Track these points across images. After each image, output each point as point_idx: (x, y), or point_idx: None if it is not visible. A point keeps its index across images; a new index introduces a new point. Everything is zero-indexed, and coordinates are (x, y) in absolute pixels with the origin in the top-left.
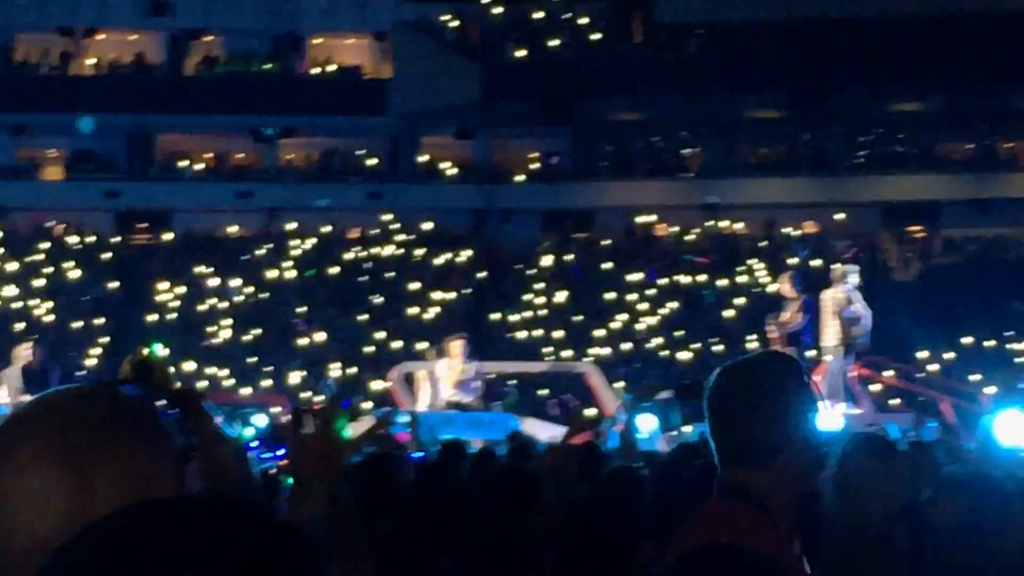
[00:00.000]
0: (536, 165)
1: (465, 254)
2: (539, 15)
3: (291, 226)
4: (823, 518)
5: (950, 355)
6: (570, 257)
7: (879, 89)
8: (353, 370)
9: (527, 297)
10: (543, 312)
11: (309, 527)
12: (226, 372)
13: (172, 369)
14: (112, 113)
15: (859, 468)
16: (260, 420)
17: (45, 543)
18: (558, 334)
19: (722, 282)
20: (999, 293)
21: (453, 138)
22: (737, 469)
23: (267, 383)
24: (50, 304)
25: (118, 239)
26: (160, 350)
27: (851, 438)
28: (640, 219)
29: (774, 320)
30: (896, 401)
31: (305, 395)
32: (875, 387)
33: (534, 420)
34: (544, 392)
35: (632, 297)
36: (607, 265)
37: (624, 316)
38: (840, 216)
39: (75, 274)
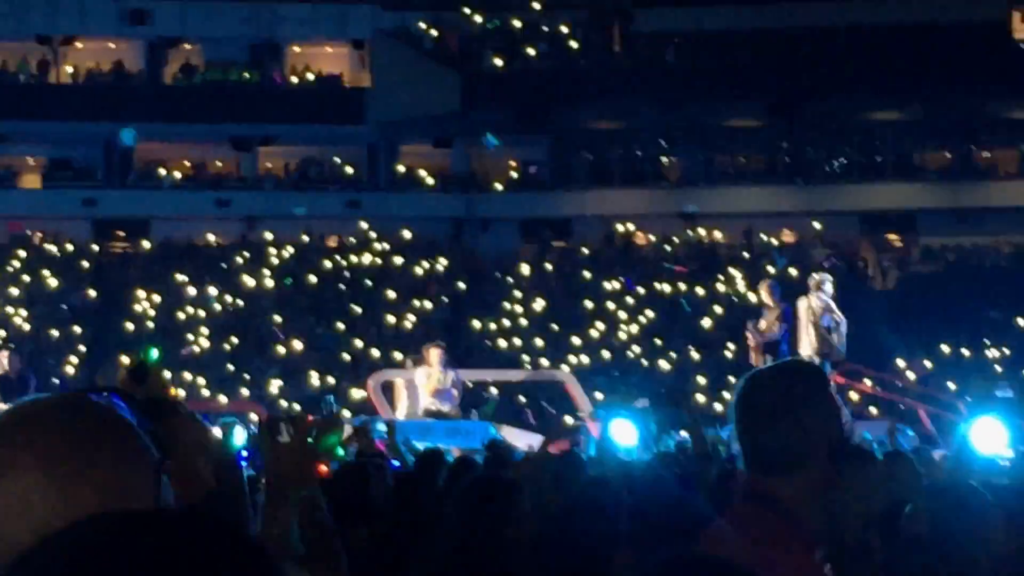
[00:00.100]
0: (514, 174)
1: (443, 263)
2: (518, 24)
3: (269, 235)
4: None
5: (927, 363)
6: (549, 266)
7: (857, 98)
8: (331, 379)
9: (505, 306)
10: (521, 321)
11: (282, 536)
12: (203, 380)
13: (168, 374)
14: (90, 121)
15: None
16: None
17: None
18: (536, 343)
19: (700, 291)
20: (976, 302)
21: (431, 147)
22: (762, 476)
23: (245, 392)
24: (27, 313)
25: (96, 247)
26: (156, 355)
27: None
28: (618, 228)
29: (753, 327)
30: (874, 410)
31: (285, 404)
32: (853, 395)
33: (512, 428)
34: (522, 400)
35: (610, 306)
36: (585, 274)
37: (602, 325)
38: (818, 225)
39: (53, 282)
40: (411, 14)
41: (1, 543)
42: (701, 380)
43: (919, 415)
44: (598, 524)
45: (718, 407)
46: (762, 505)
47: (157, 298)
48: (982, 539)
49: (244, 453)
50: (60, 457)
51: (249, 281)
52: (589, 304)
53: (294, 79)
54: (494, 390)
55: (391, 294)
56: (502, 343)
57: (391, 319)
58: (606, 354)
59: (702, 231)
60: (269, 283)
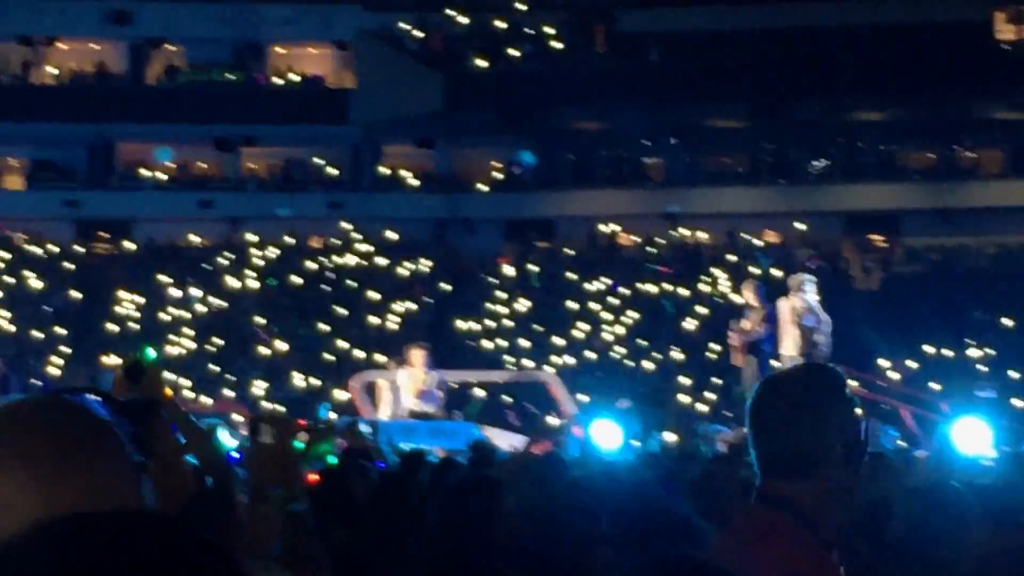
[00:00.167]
0: (498, 174)
1: (426, 263)
2: (501, 25)
3: (252, 235)
4: None
5: (911, 363)
6: (533, 267)
7: (840, 99)
8: (314, 380)
9: (489, 306)
10: (505, 321)
11: (263, 536)
12: (187, 382)
13: (165, 374)
14: (73, 122)
15: None
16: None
17: None
18: (520, 343)
19: (684, 291)
20: (960, 302)
21: (415, 147)
22: (778, 480)
23: (228, 393)
24: (10, 314)
25: (79, 248)
26: (152, 355)
27: None
28: (602, 228)
29: (736, 327)
30: (857, 410)
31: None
32: None
33: (495, 429)
34: (506, 401)
35: (594, 306)
36: (569, 274)
37: (586, 325)
38: (801, 225)
39: (35, 283)
40: (394, 15)
41: None
42: (684, 381)
43: (902, 415)
44: (580, 524)
45: (702, 407)
46: (778, 508)
47: (140, 299)
48: (963, 540)
49: (235, 455)
50: (42, 458)
51: (232, 282)
52: (573, 305)
53: (277, 80)
54: (478, 391)
55: (374, 295)
56: (486, 344)
57: (374, 320)
58: (590, 355)
59: (685, 232)
60: (252, 284)
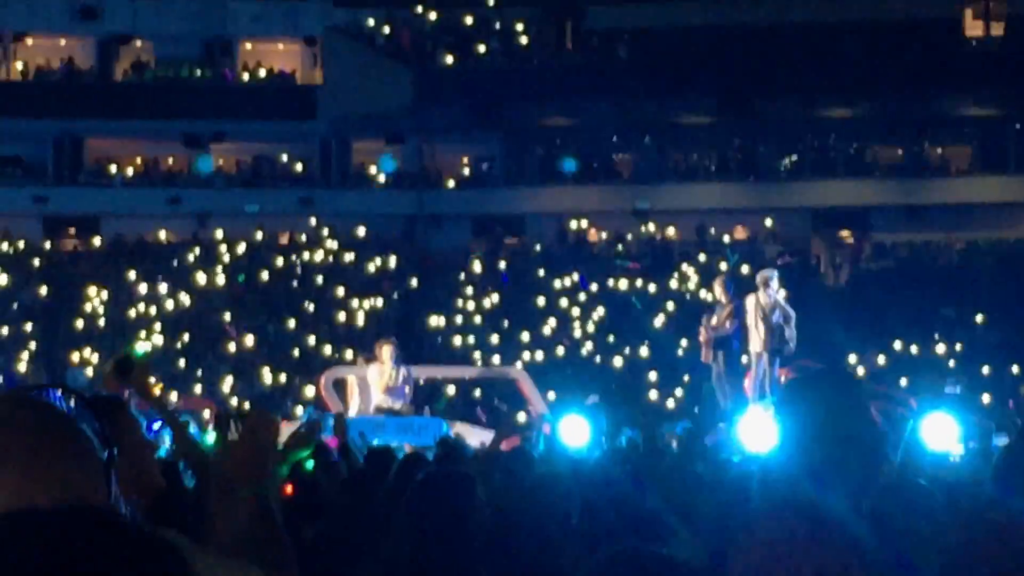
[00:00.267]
0: (467, 170)
1: (395, 259)
2: (470, 21)
3: (221, 232)
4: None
5: (879, 359)
6: (501, 263)
7: (809, 95)
8: (283, 376)
9: (458, 302)
10: (474, 317)
11: (231, 533)
12: (155, 378)
13: (153, 380)
14: (41, 118)
15: None
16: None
17: None
18: (489, 339)
19: (653, 287)
20: (928, 298)
21: (384, 143)
22: (791, 483)
23: (197, 388)
24: None
25: (47, 245)
26: (141, 351)
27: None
28: (571, 224)
29: (705, 322)
30: None
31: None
32: None
33: (464, 425)
34: (475, 397)
35: (563, 302)
36: (538, 270)
37: (555, 321)
38: (770, 221)
39: (3, 280)
40: (363, 11)
41: None
42: (653, 376)
43: (870, 411)
44: (547, 519)
45: (670, 403)
46: (800, 511)
47: (108, 295)
48: (930, 538)
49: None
50: (9, 454)
51: (201, 278)
52: (542, 301)
53: (246, 76)
54: (450, 388)
55: (343, 291)
56: (455, 340)
57: (343, 316)
58: (559, 351)
59: (654, 228)
60: (221, 280)
